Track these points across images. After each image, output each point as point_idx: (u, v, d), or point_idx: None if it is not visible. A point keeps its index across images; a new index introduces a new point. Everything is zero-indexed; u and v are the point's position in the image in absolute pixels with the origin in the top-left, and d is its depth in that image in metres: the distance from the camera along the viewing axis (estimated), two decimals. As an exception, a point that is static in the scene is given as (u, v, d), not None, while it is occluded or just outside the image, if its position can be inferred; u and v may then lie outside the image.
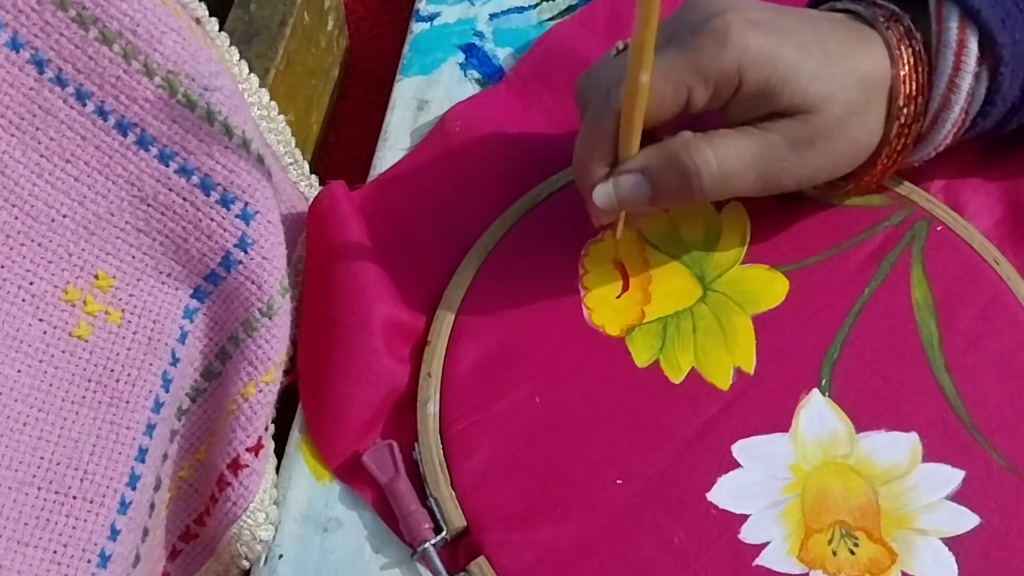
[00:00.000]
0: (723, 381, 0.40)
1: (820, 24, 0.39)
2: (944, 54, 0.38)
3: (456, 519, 0.39)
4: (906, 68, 0.38)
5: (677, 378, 0.41)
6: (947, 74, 0.38)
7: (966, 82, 0.38)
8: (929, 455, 0.38)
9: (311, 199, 0.47)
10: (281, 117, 0.47)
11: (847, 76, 0.37)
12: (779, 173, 0.38)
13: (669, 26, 0.38)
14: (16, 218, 0.37)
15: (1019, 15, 0.37)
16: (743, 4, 0.38)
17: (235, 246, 0.40)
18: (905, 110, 0.38)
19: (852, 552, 0.36)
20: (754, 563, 0.36)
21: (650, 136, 0.39)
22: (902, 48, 0.38)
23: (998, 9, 0.37)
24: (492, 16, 0.55)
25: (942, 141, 0.40)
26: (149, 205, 0.39)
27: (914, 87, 0.38)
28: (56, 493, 0.36)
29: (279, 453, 0.43)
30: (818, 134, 0.37)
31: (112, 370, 0.39)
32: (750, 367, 0.40)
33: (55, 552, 0.35)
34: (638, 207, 0.39)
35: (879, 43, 0.38)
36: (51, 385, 0.37)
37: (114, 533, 0.37)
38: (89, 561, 0.36)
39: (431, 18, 0.55)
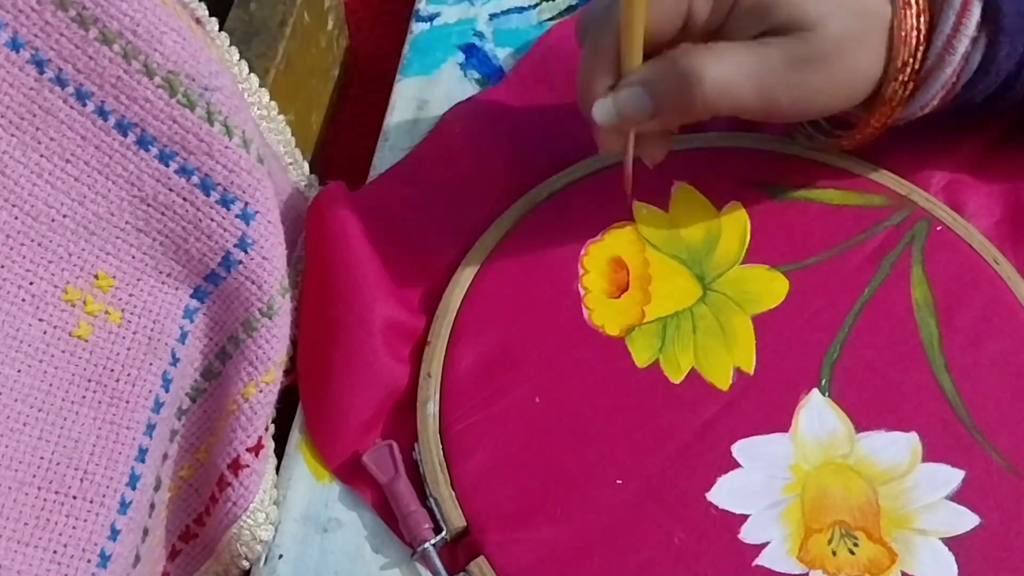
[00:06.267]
0: (723, 381, 0.40)
1: None
2: (946, 13, 0.38)
3: (456, 519, 0.39)
4: (908, 12, 0.38)
5: (677, 378, 0.41)
6: (946, 33, 0.38)
7: (963, 44, 0.38)
8: (929, 455, 0.38)
9: (311, 199, 0.47)
10: (281, 117, 0.47)
11: (847, 1, 0.37)
12: (777, 89, 0.38)
13: None
14: (16, 218, 0.37)
15: None
16: None
17: (235, 246, 0.40)
18: (904, 56, 0.38)
19: (852, 552, 0.36)
20: (754, 563, 0.36)
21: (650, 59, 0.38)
22: None
23: None
24: (492, 16, 0.55)
25: (929, 101, 0.40)
26: (149, 205, 0.39)
27: (915, 38, 0.38)
28: (56, 493, 0.36)
29: (279, 453, 0.43)
30: (815, 54, 0.37)
31: (112, 370, 0.39)
32: (750, 367, 0.40)
33: (55, 552, 0.35)
34: (640, 121, 0.38)
35: None
36: (51, 385, 0.37)
37: (114, 533, 0.37)
38: (89, 561, 0.36)
39: (431, 18, 0.55)
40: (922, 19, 0.38)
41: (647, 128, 0.39)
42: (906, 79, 0.39)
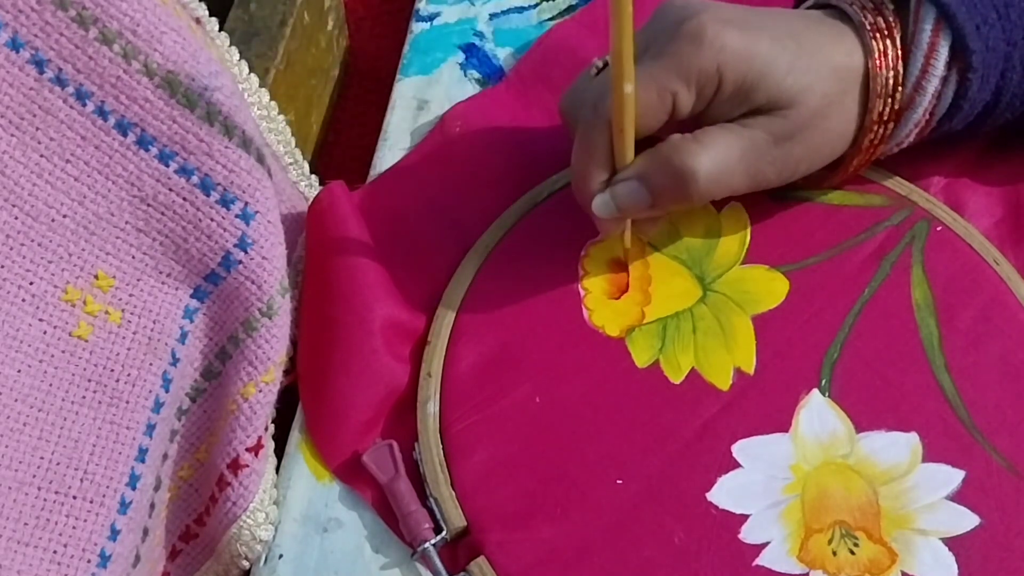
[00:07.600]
0: (723, 381, 0.40)
1: (793, 20, 0.39)
2: (914, 55, 0.38)
3: (456, 519, 0.39)
4: (880, 60, 0.38)
5: (677, 378, 0.41)
6: (915, 75, 0.38)
7: (932, 85, 0.38)
8: (929, 455, 0.38)
9: (311, 199, 0.47)
10: (281, 117, 0.47)
11: (822, 68, 0.38)
12: (764, 168, 0.39)
13: (644, 35, 0.39)
14: (16, 218, 0.37)
15: (997, 22, 0.38)
16: (714, 5, 0.38)
17: (235, 246, 0.40)
18: (881, 103, 0.38)
19: (852, 552, 0.36)
20: (754, 563, 0.36)
21: (644, 145, 0.39)
22: (877, 37, 0.38)
23: (975, 14, 0.37)
24: (492, 16, 0.55)
25: (904, 138, 0.40)
26: (149, 205, 0.39)
27: (891, 83, 0.38)
28: (56, 493, 0.36)
29: (279, 453, 0.43)
30: (797, 128, 0.38)
31: (112, 370, 0.39)
32: (750, 367, 0.40)
33: (55, 552, 0.35)
34: (638, 213, 0.39)
35: (852, 35, 0.39)
36: (51, 385, 0.37)
37: (114, 533, 0.37)
38: (89, 561, 0.36)
39: (431, 18, 0.55)
40: (899, 64, 0.38)
41: (642, 215, 0.40)
42: (885, 120, 0.39)
